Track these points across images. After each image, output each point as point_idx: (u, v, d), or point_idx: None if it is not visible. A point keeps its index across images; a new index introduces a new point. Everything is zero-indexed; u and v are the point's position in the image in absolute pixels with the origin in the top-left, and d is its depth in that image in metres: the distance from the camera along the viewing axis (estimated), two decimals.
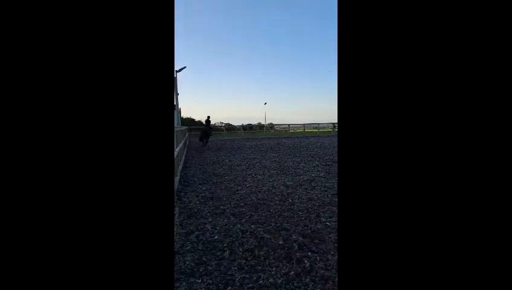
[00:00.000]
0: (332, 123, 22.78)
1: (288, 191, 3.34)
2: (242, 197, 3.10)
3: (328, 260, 1.63)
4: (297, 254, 1.71)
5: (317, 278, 1.44)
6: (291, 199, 2.97)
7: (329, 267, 1.54)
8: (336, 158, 6.18)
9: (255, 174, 4.48)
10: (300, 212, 2.52)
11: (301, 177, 4.18)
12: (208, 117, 11.41)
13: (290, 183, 3.77)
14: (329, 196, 3.08)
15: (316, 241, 1.90)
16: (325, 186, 3.52)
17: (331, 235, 1.99)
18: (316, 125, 22.58)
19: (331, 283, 1.39)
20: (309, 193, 3.24)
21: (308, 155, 6.93)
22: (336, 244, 1.84)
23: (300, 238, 1.95)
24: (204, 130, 10.99)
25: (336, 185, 3.56)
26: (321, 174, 4.34)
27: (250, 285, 1.40)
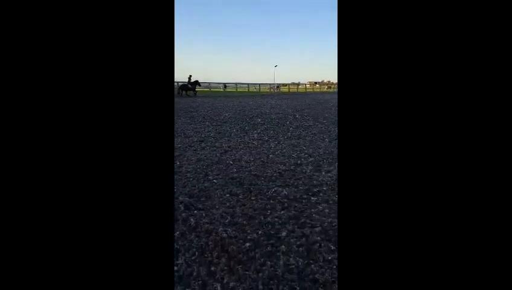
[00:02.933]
0: (223, 83, 23.23)
1: (176, 153, 3.23)
2: None
3: (213, 214, 1.73)
4: (183, 215, 1.72)
5: (201, 233, 1.51)
6: (179, 162, 2.90)
7: (213, 221, 1.64)
8: (228, 118, 6.39)
9: None
10: (188, 174, 2.51)
11: (191, 138, 4.11)
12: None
13: (179, 145, 3.65)
14: (217, 155, 3.19)
15: (203, 199, 1.97)
16: (214, 146, 3.61)
17: (217, 191, 2.11)
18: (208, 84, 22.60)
19: (214, 234, 1.50)
20: (198, 153, 3.25)
21: (199, 116, 6.83)
22: (221, 199, 1.96)
23: (187, 198, 1.97)
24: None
25: (224, 145, 3.72)
26: (211, 134, 4.41)
27: None
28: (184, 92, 15.85)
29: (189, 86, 16.07)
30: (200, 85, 17.35)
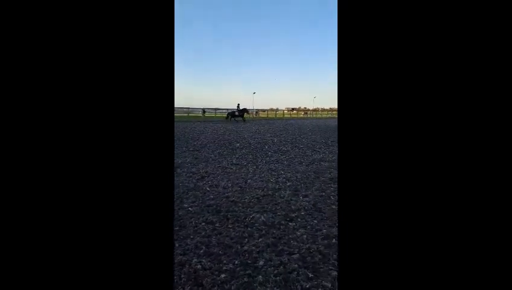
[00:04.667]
0: (202, 108, 23.52)
1: None
2: None
3: (187, 244, 1.64)
4: None
5: (174, 266, 1.42)
6: None
7: (187, 252, 1.56)
8: (205, 143, 6.34)
9: None
10: None
11: None
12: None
13: None
14: (194, 181, 3.11)
15: (177, 228, 1.87)
16: (191, 172, 3.53)
17: (192, 219, 2.03)
18: (187, 110, 22.67)
19: (187, 266, 1.41)
20: (174, 180, 3.14)
21: (175, 140, 6.72)
22: (196, 228, 1.88)
23: None
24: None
25: (201, 171, 3.65)
26: (188, 160, 4.33)
27: None
28: (232, 118, 18.16)
29: (237, 113, 18.44)
30: (248, 112, 19.84)
